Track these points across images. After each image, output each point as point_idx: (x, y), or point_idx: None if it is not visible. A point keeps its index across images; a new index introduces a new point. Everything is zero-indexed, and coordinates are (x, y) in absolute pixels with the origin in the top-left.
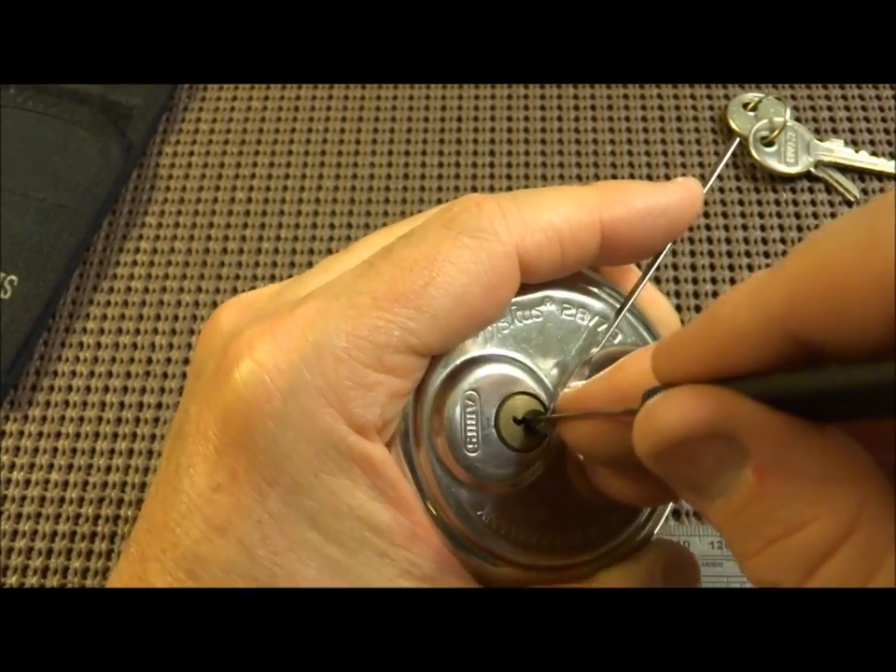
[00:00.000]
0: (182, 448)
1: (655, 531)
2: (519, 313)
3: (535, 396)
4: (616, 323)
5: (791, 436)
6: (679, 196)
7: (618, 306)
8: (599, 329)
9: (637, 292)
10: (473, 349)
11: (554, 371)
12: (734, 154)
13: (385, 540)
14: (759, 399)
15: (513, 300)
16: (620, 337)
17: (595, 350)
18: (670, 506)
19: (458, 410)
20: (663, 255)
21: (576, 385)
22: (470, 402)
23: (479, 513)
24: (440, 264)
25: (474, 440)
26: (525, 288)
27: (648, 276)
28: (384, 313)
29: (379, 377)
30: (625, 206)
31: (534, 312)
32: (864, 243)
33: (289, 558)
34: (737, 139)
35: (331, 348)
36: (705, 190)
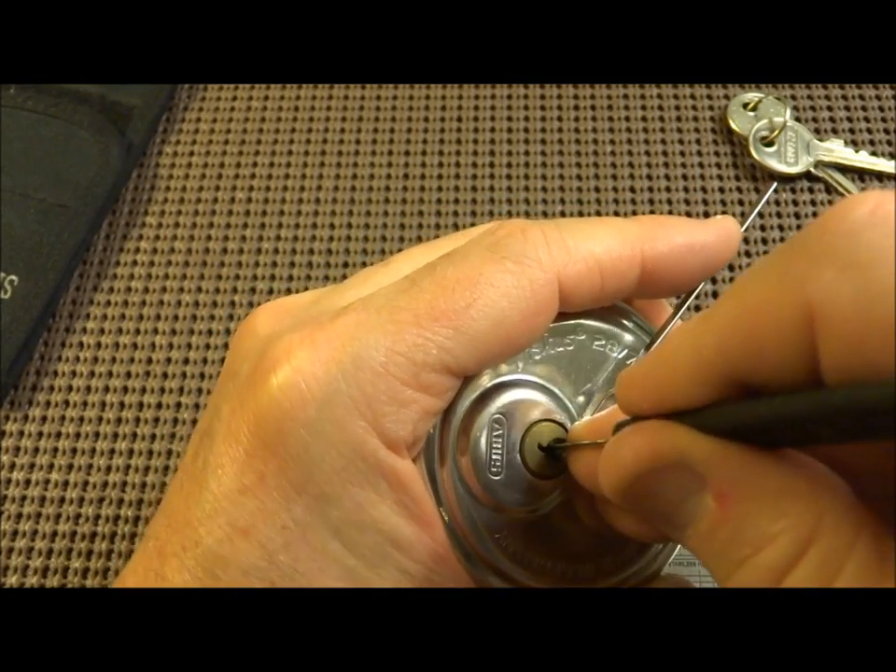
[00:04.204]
0: (211, 447)
1: (666, 565)
2: (551, 340)
3: (560, 424)
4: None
5: (744, 459)
6: (717, 234)
7: (648, 340)
8: (628, 362)
9: (668, 328)
10: (504, 373)
11: (581, 400)
12: (733, 154)
13: (405, 556)
14: (708, 430)
15: None
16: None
17: None
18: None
19: (485, 432)
20: (696, 292)
21: (587, 419)
22: (497, 426)
23: (496, 536)
24: (482, 287)
25: (498, 463)
26: (558, 316)
27: (680, 312)
28: (423, 331)
29: (414, 395)
30: (667, 242)
31: (566, 340)
32: (772, 290)
33: (310, 566)
34: (775, 182)
35: (370, 361)
36: (743, 229)
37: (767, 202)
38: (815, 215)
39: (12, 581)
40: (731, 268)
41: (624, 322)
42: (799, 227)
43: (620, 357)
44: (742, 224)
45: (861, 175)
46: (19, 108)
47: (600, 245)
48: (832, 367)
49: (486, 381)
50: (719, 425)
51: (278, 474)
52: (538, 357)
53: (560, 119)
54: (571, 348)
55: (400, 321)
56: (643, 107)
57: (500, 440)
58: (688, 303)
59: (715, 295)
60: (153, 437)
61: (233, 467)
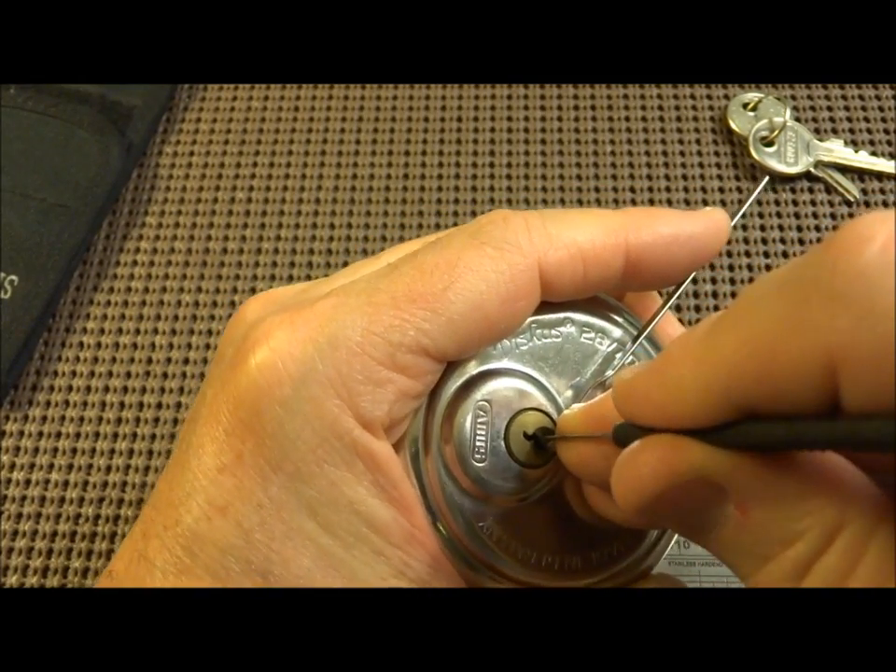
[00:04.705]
0: (194, 429)
1: (657, 564)
2: (539, 331)
3: (546, 413)
4: (633, 349)
5: (763, 469)
6: (705, 225)
7: (636, 334)
8: (617, 355)
9: (655, 320)
10: (490, 362)
11: (569, 392)
12: (733, 154)
13: (381, 538)
14: (724, 444)
15: (534, 318)
16: (636, 364)
17: (609, 374)
18: (672, 542)
19: (469, 419)
20: (684, 285)
21: (577, 406)
22: (482, 413)
23: (480, 524)
24: (460, 270)
25: (482, 450)
26: (546, 308)
27: (668, 305)
28: (400, 312)
29: (390, 375)
30: (651, 232)
31: (553, 332)
32: (788, 334)
33: (285, 545)
34: (767, 176)
35: (346, 341)
36: (733, 223)
37: (766, 202)
38: (814, 215)
39: (12, 581)
40: (731, 268)
41: (614, 316)
42: (799, 227)
43: (608, 350)
44: (733, 216)
45: (860, 174)
46: (19, 108)
47: (583, 234)
48: (854, 406)
49: (472, 369)
50: (737, 443)
51: (255, 452)
52: (524, 348)
53: (560, 119)
54: (559, 340)
55: (378, 303)
56: (643, 107)
57: (485, 426)
58: (677, 294)
59: (715, 295)
60: (153, 437)
61: (213, 446)
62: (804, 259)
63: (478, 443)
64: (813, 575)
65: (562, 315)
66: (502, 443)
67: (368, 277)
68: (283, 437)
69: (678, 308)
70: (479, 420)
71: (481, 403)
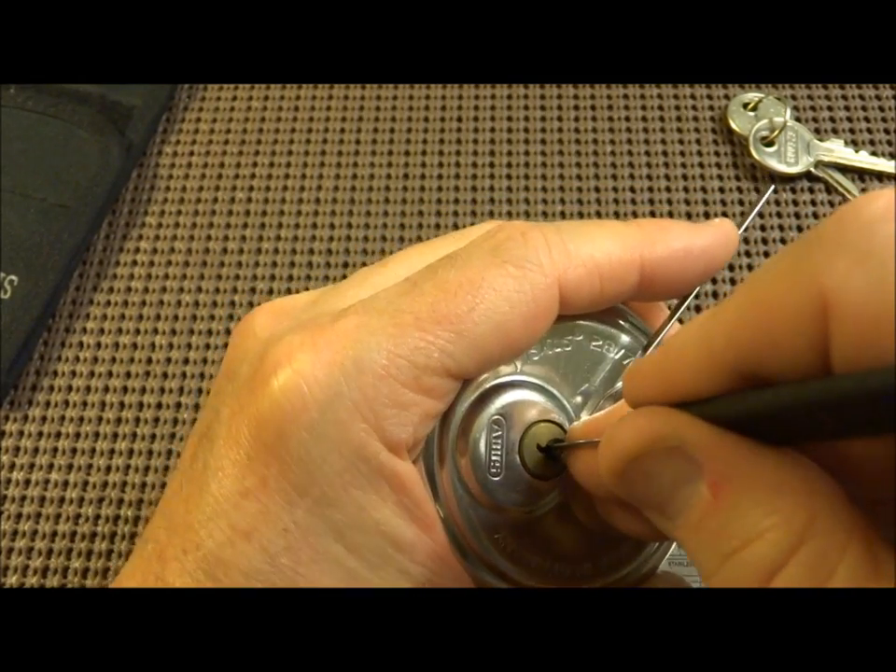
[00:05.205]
0: (211, 449)
1: (661, 563)
2: (549, 340)
3: (558, 424)
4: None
5: (741, 449)
6: (715, 238)
7: (645, 341)
8: (625, 363)
9: (665, 330)
10: (503, 374)
11: (578, 400)
12: (733, 154)
13: (406, 558)
14: (711, 419)
15: None
16: None
17: (620, 385)
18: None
19: (485, 434)
20: (693, 294)
21: (587, 417)
22: (497, 427)
23: (495, 536)
24: (484, 291)
25: (497, 464)
26: (556, 317)
27: (677, 314)
28: (425, 334)
29: (415, 398)
30: (666, 247)
31: (563, 340)
32: (786, 281)
33: (312, 569)
34: (772, 186)
35: (371, 364)
36: (741, 231)
37: (767, 202)
38: (815, 215)
39: (12, 581)
40: (731, 268)
41: (621, 323)
42: (799, 227)
43: (617, 357)
44: (740, 226)
45: (861, 174)
46: (19, 108)
47: (600, 250)
48: (842, 356)
49: (485, 382)
50: (722, 414)
51: (280, 477)
52: (536, 358)
53: (560, 118)
54: (569, 349)
55: (402, 324)
56: (643, 107)
57: (499, 441)
58: (685, 305)
59: (715, 295)
60: (153, 437)
61: (234, 469)
62: (812, 228)
63: (493, 458)
64: (775, 585)
65: (571, 323)
66: (517, 457)
67: (387, 295)
68: (309, 461)
69: None
70: (494, 435)
71: (495, 418)
